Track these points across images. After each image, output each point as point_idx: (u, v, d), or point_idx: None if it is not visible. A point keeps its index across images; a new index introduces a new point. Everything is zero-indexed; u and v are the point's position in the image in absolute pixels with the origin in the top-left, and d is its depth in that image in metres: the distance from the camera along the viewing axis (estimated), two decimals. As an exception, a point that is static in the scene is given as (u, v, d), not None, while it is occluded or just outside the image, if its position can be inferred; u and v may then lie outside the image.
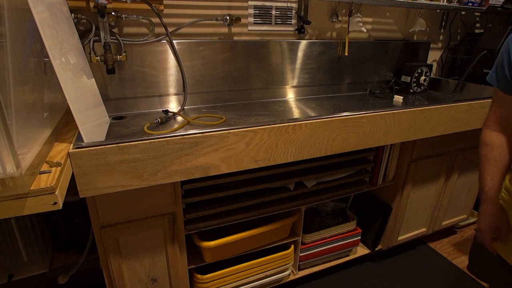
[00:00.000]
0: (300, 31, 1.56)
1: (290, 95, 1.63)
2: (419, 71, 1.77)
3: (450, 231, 1.99)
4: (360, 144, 1.20)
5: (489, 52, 1.78)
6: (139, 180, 0.88)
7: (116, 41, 1.21)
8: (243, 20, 1.45)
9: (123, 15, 1.20)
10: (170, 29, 1.33)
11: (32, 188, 0.60)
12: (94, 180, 0.83)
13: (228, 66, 1.44)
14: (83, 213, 1.24)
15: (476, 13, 2.09)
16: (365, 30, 1.60)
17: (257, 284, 1.35)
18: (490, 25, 2.12)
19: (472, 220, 2.02)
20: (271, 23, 1.51)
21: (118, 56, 1.22)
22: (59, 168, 0.68)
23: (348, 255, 1.62)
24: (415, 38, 1.95)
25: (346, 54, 1.65)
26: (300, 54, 1.57)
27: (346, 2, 1.61)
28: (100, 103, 1.09)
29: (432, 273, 1.64)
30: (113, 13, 1.18)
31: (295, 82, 1.61)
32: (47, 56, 0.77)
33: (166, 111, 1.25)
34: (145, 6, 1.22)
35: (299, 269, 1.51)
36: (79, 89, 0.89)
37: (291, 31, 1.57)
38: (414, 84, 1.79)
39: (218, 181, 1.10)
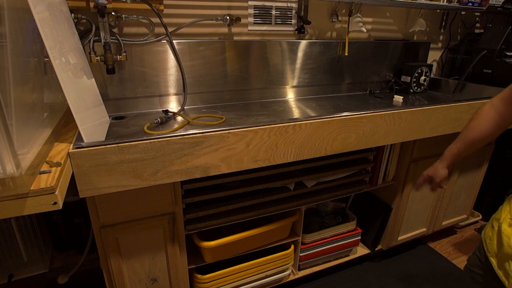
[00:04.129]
0: (300, 31, 1.56)
1: (290, 95, 1.63)
2: (419, 71, 1.77)
3: (450, 231, 1.99)
4: (360, 144, 1.20)
5: (489, 52, 1.78)
6: (139, 180, 0.88)
7: (116, 41, 1.21)
8: (243, 20, 1.45)
9: (123, 15, 1.20)
10: (170, 29, 1.33)
11: (32, 188, 0.60)
12: (94, 180, 0.83)
13: (228, 66, 1.44)
14: (83, 213, 1.24)
15: (476, 13, 2.09)
16: (365, 30, 1.61)
17: (257, 284, 1.35)
18: (490, 25, 2.12)
19: (472, 220, 2.02)
20: (271, 23, 1.51)
21: (118, 56, 1.22)
22: (59, 168, 0.68)
23: (348, 255, 1.62)
24: (415, 38, 1.95)
25: (346, 54, 1.65)
26: (300, 54, 1.57)
27: (346, 2, 1.61)
28: (100, 103, 1.09)
29: (432, 273, 1.64)
30: (113, 13, 1.18)
31: (295, 82, 1.61)
32: (47, 56, 0.77)
33: (166, 111, 1.25)
34: (145, 6, 1.22)
35: (299, 269, 1.51)
36: (79, 89, 0.89)
37: (291, 31, 1.57)
38: (414, 84, 1.80)
39: (218, 181, 1.10)
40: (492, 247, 0.89)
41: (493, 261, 0.88)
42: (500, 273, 0.85)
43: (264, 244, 1.33)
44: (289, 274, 1.45)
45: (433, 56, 2.08)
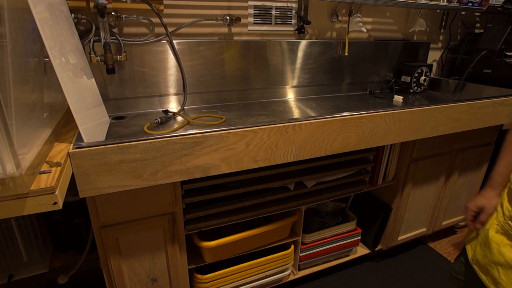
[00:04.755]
0: (300, 31, 1.56)
1: (290, 95, 1.63)
2: (419, 71, 1.77)
3: (450, 231, 1.99)
4: (360, 144, 1.19)
5: (489, 52, 1.78)
6: (139, 180, 0.88)
7: (116, 41, 1.21)
8: (243, 20, 1.45)
9: (123, 15, 1.20)
10: (170, 29, 1.33)
11: (32, 188, 0.60)
12: (94, 180, 0.83)
13: (228, 66, 1.44)
14: (83, 213, 1.24)
15: (476, 13, 2.09)
16: (365, 30, 1.60)
17: (257, 284, 1.35)
18: (490, 25, 2.12)
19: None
20: (271, 23, 1.51)
21: (118, 56, 1.22)
22: (59, 168, 0.68)
23: (348, 255, 1.62)
24: (415, 38, 1.95)
25: (346, 54, 1.65)
26: (300, 54, 1.57)
27: (346, 2, 1.61)
28: (100, 103, 1.09)
29: (432, 273, 1.64)
30: (113, 13, 1.18)
31: (295, 82, 1.61)
32: (47, 56, 0.77)
33: (166, 111, 1.25)
34: (145, 6, 1.22)
35: (299, 269, 1.51)
36: (79, 89, 0.89)
37: (291, 31, 1.57)
38: (414, 84, 1.79)
39: (218, 181, 1.10)
40: (474, 253, 0.88)
41: (476, 268, 0.87)
42: (486, 281, 0.84)
43: (264, 244, 1.33)
44: (289, 274, 1.45)
45: (433, 56, 2.08)
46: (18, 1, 0.65)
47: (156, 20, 1.29)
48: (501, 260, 0.80)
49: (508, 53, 1.77)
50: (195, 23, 1.37)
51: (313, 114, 1.32)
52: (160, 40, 1.29)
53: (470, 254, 0.91)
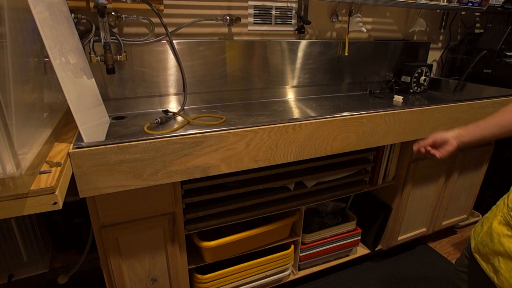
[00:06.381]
0: (300, 31, 1.56)
1: (290, 95, 1.63)
2: (419, 71, 1.77)
3: (450, 231, 1.99)
4: (360, 144, 1.19)
5: (489, 52, 1.78)
6: (139, 180, 0.88)
7: (116, 41, 1.21)
8: (243, 20, 1.45)
9: (123, 15, 1.20)
10: (170, 29, 1.33)
11: (32, 188, 0.60)
12: (94, 180, 0.83)
13: (228, 66, 1.44)
14: (83, 213, 1.24)
15: (476, 13, 2.09)
16: (365, 30, 1.60)
17: (257, 284, 1.35)
18: (490, 25, 2.12)
19: (472, 220, 2.02)
20: (271, 23, 1.51)
21: (118, 56, 1.22)
22: (59, 168, 0.68)
23: (348, 255, 1.62)
24: (415, 38, 1.95)
25: (346, 54, 1.65)
26: (300, 54, 1.57)
27: (346, 2, 1.61)
28: (100, 103, 1.09)
29: (432, 273, 1.64)
30: (113, 13, 1.18)
31: (295, 82, 1.61)
32: (47, 56, 0.77)
33: (166, 111, 1.25)
34: (145, 6, 1.22)
35: (299, 269, 1.51)
36: (79, 89, 0.89)
37: (291, 31, 1.57)
38: (414, 84, 1.80)
39: (218, 181, 1.10)
40: (476, 243, 0.91)
41: (477, 257, 0.91)
42: (487, 269, 0.87)
43: (264, 244, 1.33)
44: (289, 274, 1.45)
45: (433, 56, 2.08)
46: (18, 1, 0.65)
47: (156, 20, 1.29)
48: (500, 249, 0.83)
49: (508, 53, 1.77)
50: (195, 23, 1.37)
51: (313, 114, 1.32)
52: (160, 40, 1.29)
53: (472, 244, 0.93)
